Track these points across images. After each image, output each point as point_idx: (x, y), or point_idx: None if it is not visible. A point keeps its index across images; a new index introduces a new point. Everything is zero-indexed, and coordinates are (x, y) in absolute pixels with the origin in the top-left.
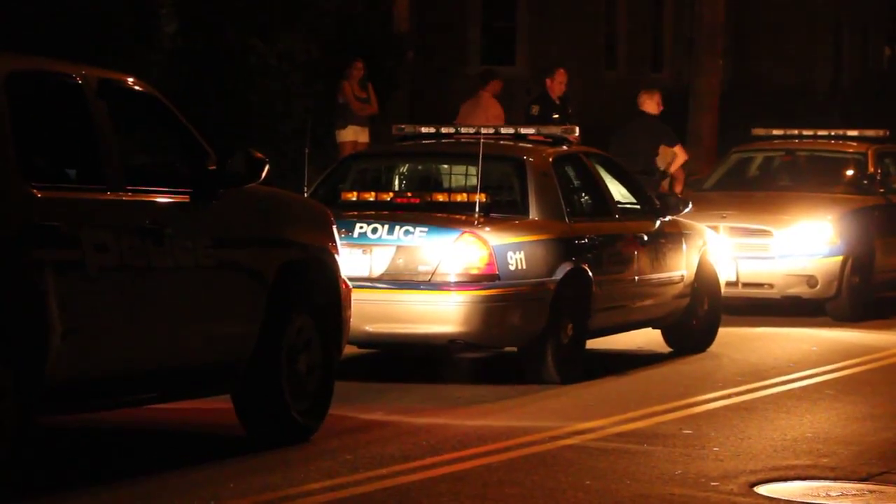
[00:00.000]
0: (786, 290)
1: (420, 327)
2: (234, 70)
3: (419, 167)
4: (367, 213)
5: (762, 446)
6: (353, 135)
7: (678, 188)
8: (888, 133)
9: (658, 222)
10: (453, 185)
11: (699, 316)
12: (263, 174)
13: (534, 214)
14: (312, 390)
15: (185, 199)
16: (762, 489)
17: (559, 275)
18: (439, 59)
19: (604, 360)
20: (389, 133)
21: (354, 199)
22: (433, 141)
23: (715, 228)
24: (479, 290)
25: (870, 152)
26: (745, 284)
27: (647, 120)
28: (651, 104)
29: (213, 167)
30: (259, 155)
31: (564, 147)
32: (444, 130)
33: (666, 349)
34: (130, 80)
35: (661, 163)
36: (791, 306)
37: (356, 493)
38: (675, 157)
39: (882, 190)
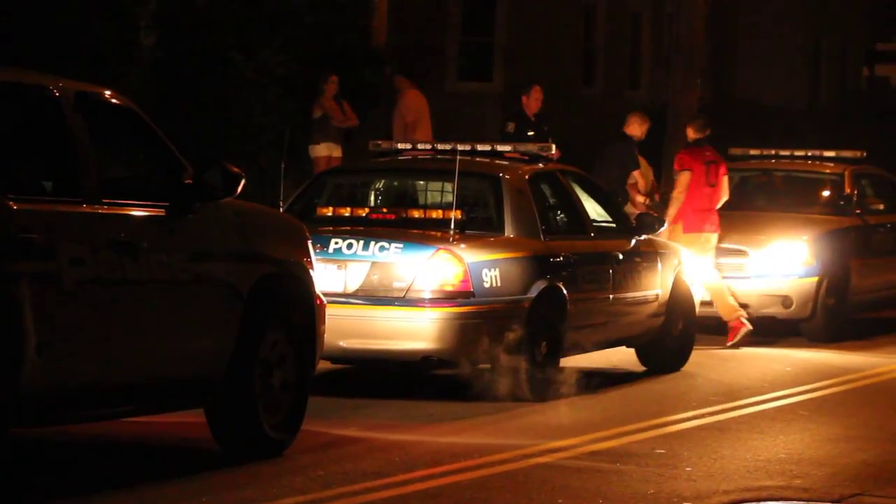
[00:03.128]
0: (761, 311)
1: (394, 343)
2: (213, 83)
3: (395, 183)
4: (343, 228)
5: (735, 466)
6: (328, 150)
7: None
8: (865, 154)
9: (633, 241)
10: (429, 201)
11: (673, 335)
12: (239, 189)
13: (509, 232)
14: (286, 405)
15: (160, 212)
16: None
17: (534, 292)
18: (416, 75)
19: (577, 379)
20: (366, 148)
21: (330, 214)
22: (409, 157)
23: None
24: (454, 307)
25: (847, 173)
26: None
27: (624, 144)
28: (634, 127)
29: (190, 181)
30: (235, 169)
31: (540, 164)
32: (420, 147)
33: (640, 368)
34: (108, 93)
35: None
36: (766, 326)
37: None
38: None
39: (858, 211)
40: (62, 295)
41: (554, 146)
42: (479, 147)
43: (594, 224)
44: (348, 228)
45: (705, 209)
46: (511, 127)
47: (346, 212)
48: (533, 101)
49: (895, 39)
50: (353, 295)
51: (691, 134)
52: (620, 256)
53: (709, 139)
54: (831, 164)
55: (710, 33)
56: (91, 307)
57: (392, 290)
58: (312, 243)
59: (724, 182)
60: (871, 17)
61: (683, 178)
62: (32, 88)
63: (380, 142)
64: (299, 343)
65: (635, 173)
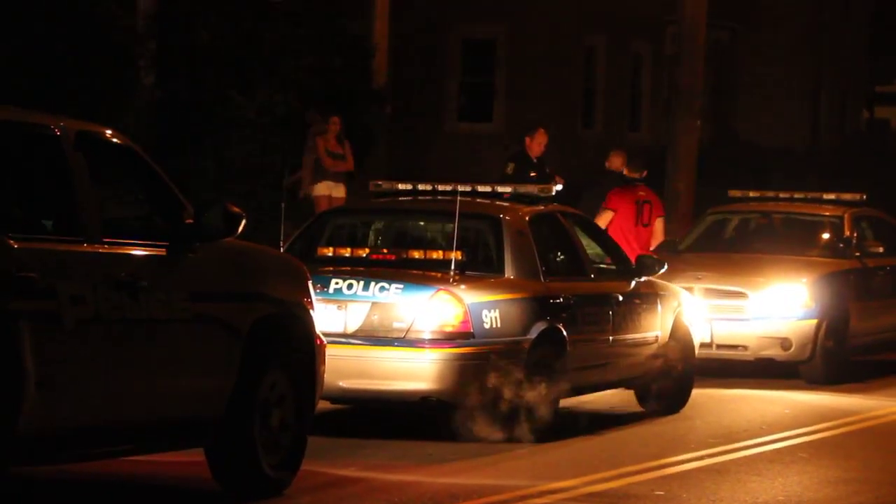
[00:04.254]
0: (760, 353)
1: (394, 384)
2: (212, 122)
3: (395, 224)
4: (343, 268)
5: None
6: (327, 189)
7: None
8: (865, 197)
9: (633, 283)
10: (429, 242)
11: (673, 377)
12: (240, 229)
13: (509, 273)
14: (285, 445)
15: (161, 252)
16: None
17: (534, 334)
18: (417, 115)
19: (577, 420)
20: (366, 189)
21: (330, 254)
22: (410, 198)
23: (690, 290)
24: (454, 347)
25: (846, 216)
26: (720, 346)
27: (613, 181)
28: (617, 163)
29: (190, 221)
30: (236, 209)
31: (541, 206)
32: (420, 188)
33: (639, 409)
34: (108, 132)
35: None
36: (765, 369)
37: None
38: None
39: (858, 254)
40: (62, 333)
41: (555, 186)
42: (480, 188)
43: (594, 265)
44: (348, 269)
45: (635, 249)
46: (511, 168)
47: (347, 252)
48: (536, 145)
49: (894, 82)
50: (353, 335)
51: (626, 172)
52: (620, 298)
53: (646, 180)
54: (831, 207)
55: (711, 75)
56: (91, 346)
57: (392, 330)
58: (312, 283)
59: (658, 225)
60: (870, 60)
61: (603, 217)
62: (33, 127)
63: (380, 182)
64: (299, 383)
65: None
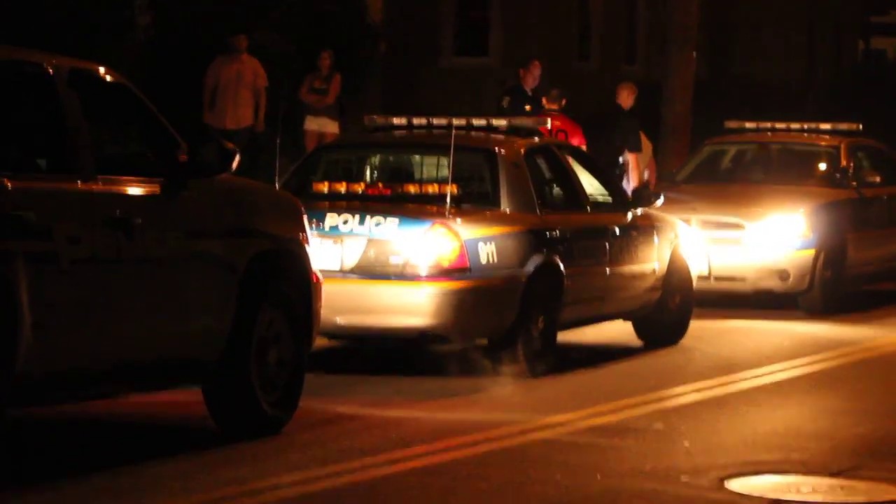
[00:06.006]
0: (758, 284)
1: (391, 319)
2: (207, 62)
3: (391, 158)
4: (339, 204)
5: (733, 441)
6: (316, 125)
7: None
8: (861, 127)
9: (630, 215)
10: (425, 176)
11: (671, 309)
12: (234, 165)
13: (505, 206)
14: (283, 383)
15: (155, 189)
16: (732, 484)
17: (530, 267)
18: (412, 51)
19: (575, 353)
20: (361, 124)
21: (325, 190)
22: (405, 132)
23: (687, 221)
24: (450, 282)
25: (843, 146)
26: (717, 278)
27: (620, 117)
28: (624, 97)
29: (184, 157)
30: (230, 145)
31: (536, 139)
32: (415, 122)
33: (637, 342)
34: (102, 69)
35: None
36: (763, 300)
37: (325, 486)
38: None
39: (854, 184)
40: (58, 273)
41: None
42: (475, 122)
43: (590, 198)
44: (344, 204)
45: None
46: (506, 102)
47: (342, 187)
48: (530, 76)
49: (890, 12)
50: (350, 271)
51: (545, 104)
52: (617, 230)
53: (565, 109)
54: (827, 137)
55: (706, 8)
56: (87, 285)
57: (388, 265)
58: (308, 219)
59: None
60: None
61: None
62: (26, 66)
63: (375, 117)
64: (296, 320)
65: (633, 155)
